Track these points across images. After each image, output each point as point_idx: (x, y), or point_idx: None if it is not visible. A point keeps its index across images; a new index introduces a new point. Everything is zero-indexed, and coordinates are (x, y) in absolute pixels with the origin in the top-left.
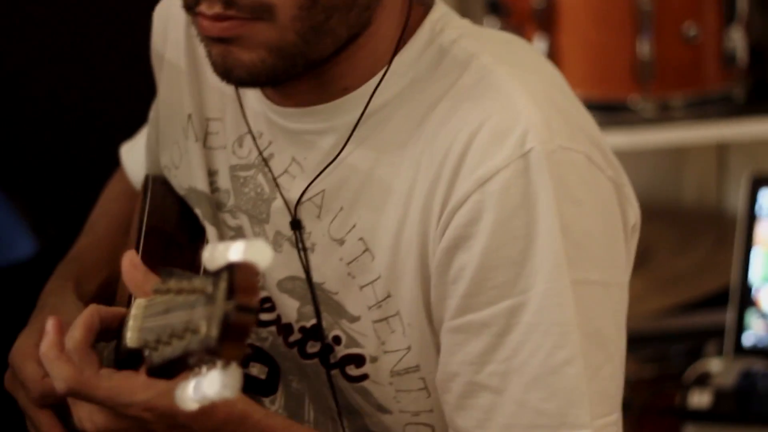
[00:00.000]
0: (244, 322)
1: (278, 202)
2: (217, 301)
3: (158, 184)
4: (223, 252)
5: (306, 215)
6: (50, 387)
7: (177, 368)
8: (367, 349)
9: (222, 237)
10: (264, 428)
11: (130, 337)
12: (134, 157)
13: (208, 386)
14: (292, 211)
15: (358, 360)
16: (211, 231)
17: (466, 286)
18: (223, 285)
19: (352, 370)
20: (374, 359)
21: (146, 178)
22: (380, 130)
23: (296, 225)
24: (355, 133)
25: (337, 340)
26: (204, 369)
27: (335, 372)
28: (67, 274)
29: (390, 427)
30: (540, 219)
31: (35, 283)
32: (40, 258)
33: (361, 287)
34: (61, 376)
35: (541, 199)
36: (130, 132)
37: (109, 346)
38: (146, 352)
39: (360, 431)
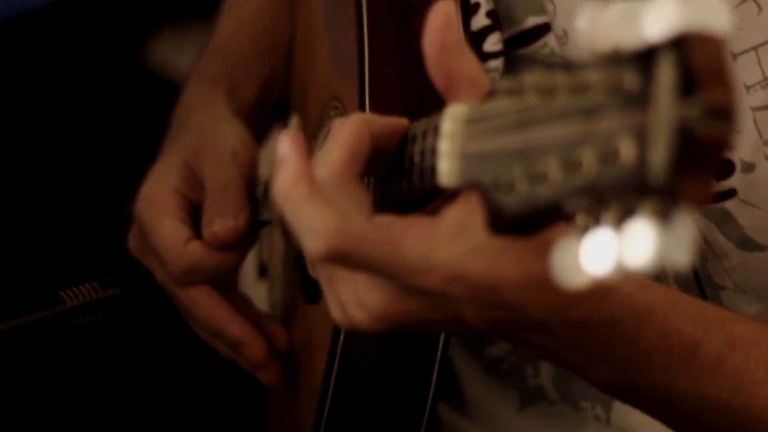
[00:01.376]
0: (718, 136)
1: None
2: (659, 101)
3: None
4: (625, 22)
5: None
6: (199, 256)
7: (540, 220)
8: (738, 152)
9: None
10: (638, 308)
11: (448, 170)
12: None
13: (633, 245)
14: None
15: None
16: None
17: None
18: (666, 73)
19: None
20: (749, 168)
21: None
22: None
23: None
24: None
25: None
26: (609, 218)
27: None
28: (212, 74)
29: (754, 274)
30: None
31: (51, 38)
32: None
33: (735, 56)
34: (318, 229)
35: None
36: None
37: (372, 182)
38: (488, 195)
39: (690, 283)
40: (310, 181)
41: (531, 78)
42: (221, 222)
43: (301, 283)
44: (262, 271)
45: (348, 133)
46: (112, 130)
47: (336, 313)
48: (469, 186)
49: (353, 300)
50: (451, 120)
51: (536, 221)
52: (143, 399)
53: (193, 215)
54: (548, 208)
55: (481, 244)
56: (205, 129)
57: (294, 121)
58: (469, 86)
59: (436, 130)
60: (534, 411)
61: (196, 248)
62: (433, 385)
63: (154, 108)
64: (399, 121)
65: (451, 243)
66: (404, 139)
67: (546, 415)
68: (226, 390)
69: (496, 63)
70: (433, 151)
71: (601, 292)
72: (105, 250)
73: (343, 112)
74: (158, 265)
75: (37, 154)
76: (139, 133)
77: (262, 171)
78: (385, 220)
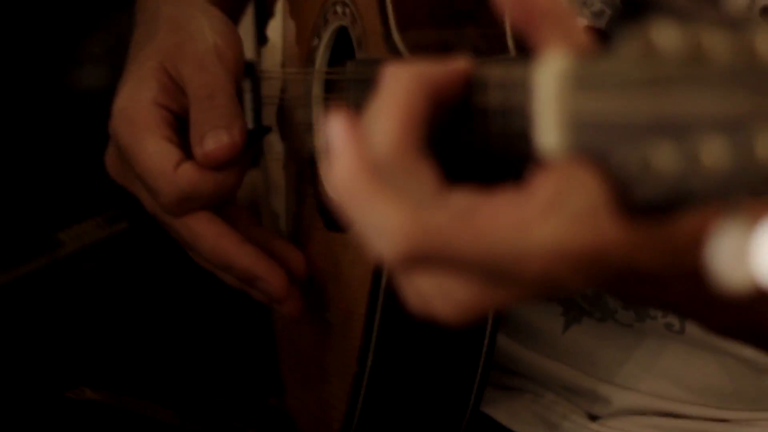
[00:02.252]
0: None
1: None
2: None
3: None
4: None
5: None
6: (194, 181)
7: (686, 207)
8: None
9: None
10: None
11: (554, 142)
12: None
13: None
14: None
15: None
16: None
17: None
18: None
19: None
20: None
21: None
22: None
23: None
24: None
25: None
26: None
27: None
28: None
29: None
30: None
31: None
32: None
33: None
34: (392, 228)
35: None
36: None
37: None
38: (616, 175)
39: None
40: (372, 170)
41: (666, 34)
42: (214, 137)
43: (318, 207)
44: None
45: (401, 95)
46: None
47: (414, 303)
48: (580, 158)
49: (438, 294)
50: (552, 79)
51: (681, 208)
52: (154, 341)
53: (179, 128)
54: (704, 198)
55: (581, 212)
56: (179, 23)
57: (279, 6)
58: (557, 23)
59: (525, 88)
60: (581, 329)
61: (188, 172)
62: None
63: None
64: (458, 65)
65: (547, 217)
66: (469, 87)
67: (596, 329)
68: (233, 321)
69: None
70: (523, 113)
71: None
72: (102, 175)
73: (355, 11)
74: (146, 193)
75: None
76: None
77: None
78: (464, 202)
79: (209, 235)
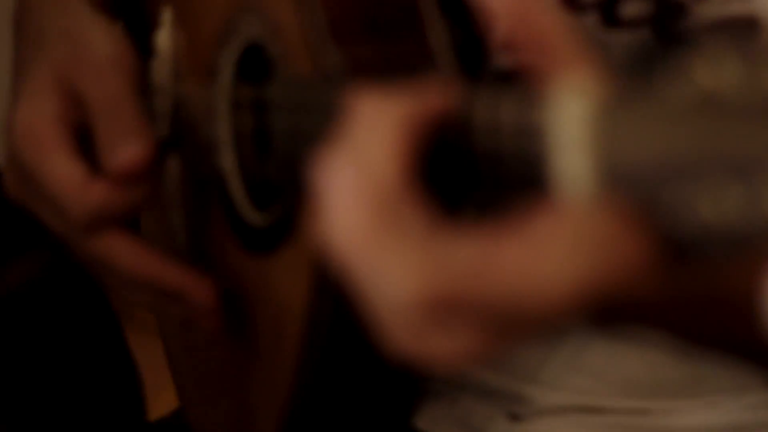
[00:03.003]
0: None
1: None
2: None
3: None
4: None
5: None
6: (105, 197)
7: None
8: None
9: None
10: None
11: (584, 185)
12: None
13: None
14: None
15: None
16: None
17: None
18: None
19: None
20: None
21: None
22: None
23: None
24: None
25: None
26: None
27: None
28: None
29: None
30: None
31: None
32: None
33: None
34: (406, 273)
35: None
36: None
37: None
38: (662, 221)
39: None
40: (378, 219)
41: (720, 71)
42: (123, 151)
43: (232, 226)
44: None
45: (394, 130)
46: None
47: (416, 355)
48: (612, 200)
49: (453, 352)
50: (577, 123)
51: (733, 254)
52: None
53: (83, 142)
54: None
55: (609, 251)
56: (72, 34)
57: (167, 16)
58: (570, 52)
59: (540, 133)
60: None
61: (99, 188)
62: None
63: None
64: (443, 100)
65: (573, 257)
66: (461, 127)
67: None
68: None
69: None
70: (537, 159)
71: None
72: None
73: (271, 22)
74: (54, 215)
75: None
76: None
77: None
78: (479, 243)
79: (128, 251)
